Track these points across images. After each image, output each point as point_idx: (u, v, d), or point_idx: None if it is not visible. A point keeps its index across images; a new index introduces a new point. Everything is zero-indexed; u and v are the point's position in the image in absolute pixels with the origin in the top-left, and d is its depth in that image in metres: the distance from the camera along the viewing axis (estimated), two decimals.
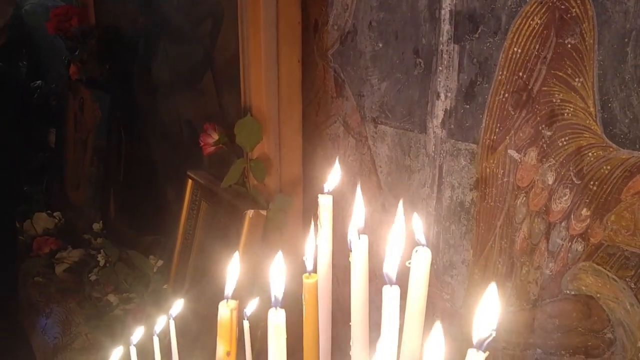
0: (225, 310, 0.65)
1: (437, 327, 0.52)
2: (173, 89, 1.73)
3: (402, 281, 0.61)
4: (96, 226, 1.97)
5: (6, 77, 2.23)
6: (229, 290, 0.67)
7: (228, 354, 0.67)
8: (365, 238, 0.72)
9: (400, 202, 0.69)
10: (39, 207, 2.26)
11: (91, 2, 2.03)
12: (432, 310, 1.19)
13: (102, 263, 1.70)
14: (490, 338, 0.53)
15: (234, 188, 1.38)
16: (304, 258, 0.71)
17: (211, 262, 1.48)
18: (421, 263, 0.63)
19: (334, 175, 0.82)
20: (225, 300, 0.66)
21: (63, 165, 2.26)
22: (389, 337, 0.61)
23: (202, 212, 1.53)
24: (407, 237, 0.63)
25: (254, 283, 1.11)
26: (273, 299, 0.57)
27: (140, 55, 1.87)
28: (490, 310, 0.55)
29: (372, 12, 1.19)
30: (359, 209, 0.75)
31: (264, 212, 1.28)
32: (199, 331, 1.30)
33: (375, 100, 1.23)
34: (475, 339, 0.53)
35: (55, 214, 2.18)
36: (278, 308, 0.57)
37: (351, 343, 0.73)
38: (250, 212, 1.26)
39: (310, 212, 1.42)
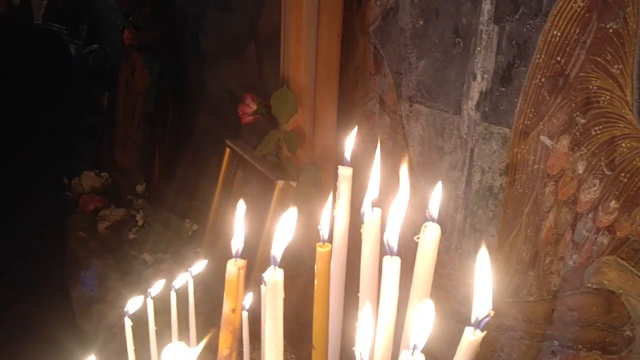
0: (233, 268, 0.66)
1: (428, 303, 0.52)
2: (218, 57, 1.75)
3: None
4: (139, 188, 2.03)
5: (67, 41, 2.30)
6: (236, 248, 0.68)
7: (233, 310, 0.68)
8: (378, 211, 0.72)
9: (404, 168, 0.69)
10: (87, 166, 2.33)
11: None
12: (454, 295, 1.18)
13: (140, 223, 1.76)
14: (488, 318, 0.53)
15: (267, 158, 1.39)
16: (319, 227, 0.71)
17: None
18: (429, 239, 0.63)
19: (349, 144, 0.82)
20: (234, 259, 0.67)
21: (112, 128, 2.33)
22: (386, 308, 0.61)
23: (237, 180, 1.56)
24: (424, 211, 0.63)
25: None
26: (272, 257, 0.58)
27: (189, 24, 1.90)
28: (486, 286, 0.55)
29: None
30: (375, 181, 0.75)
31: (294, 184, 1.29)
32: (220, 290, 1.33)
33: (412, 79, 1.21)
34: (473, 318, 0.53)
35: (102, 173, 2.25)
36: (276, 267, 0.58)
37: (359, 314, 0.74)
38: (280, 183, 1.28)
39: None
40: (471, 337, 0.51)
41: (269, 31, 1.45)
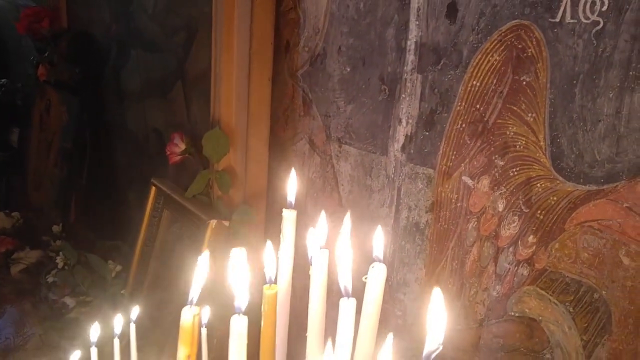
0: (188, 316, 0.67)
1: (389, 339, 0.56)
2: (142, 96, 1.75)
3: (357, 295, 0.65)
4: (55, 228, 1.96)
5: None
6: (193, 295, 0.69)
7: (188, 357, 0.69)
8: (325, 252, 0.75)
9: (348, 214, 0.73)
10: None
11: (64, 5, 2.04)
12: (385, 326, 1.23)
13: (60, 265, 1.70)
14: (438, 351, 0.58)
15: (197, 198, 1.40)
16: (264, 269, 0.74)
17: (170, 269, 1.50)
18: (377, 278, 0.67)
19: (292, 186, 0.85)
20: (189, 306, 0.68)
21: (25, 165, 2.24)
22: (343, 347, 0.65)
23: (164, 220, 1.55)
24: (365, 252, 0.68)
25: (210, 292, 1.13)
26: (236, 305, 0.60)
27: (111, 61, 1.88)
28: (438, 321, 0.60)
29: (342, 37, 1.24)
30: (322, 226, 0.78)
31: (226, 223, 1.31)
32: (155, 335, 1.31)
33: (340, 122, 1.27)
34: (425, 351, 0.57)
35: (13, 213, 2.15)
36: (241, 314, 0.60)
37: (307, 353, 0.76)
38: (213, 222, 1.29)
39: (273, 226, 1.45)
40: None
41: (197, 72, 1.47)
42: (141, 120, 1.75)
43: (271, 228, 1.45)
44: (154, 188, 1.56)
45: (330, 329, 0.70)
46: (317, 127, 1.34)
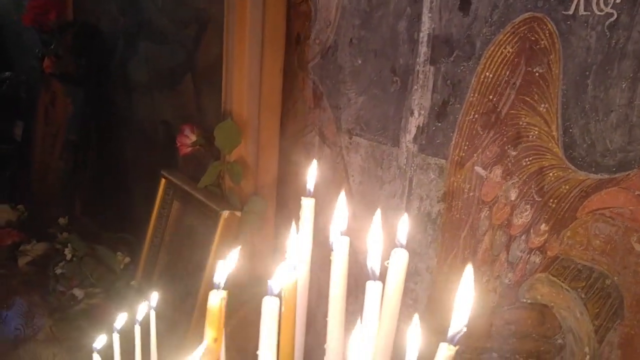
0: (215, 299, 0.69)
1: (416, 318, 0.58)
2: (151, 88, 1.75)
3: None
4: (62, 220, 1.96)
5: None
6: (220, 279, 0.71)
7: (215, 340, 0.71)
8: (346, 239, 0.77)
9: (378, 210, 0.75)
10: (1, 198, 2.23)
11: None
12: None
13: (68, 257, 1.71)
14: (462, 332, 0.60)
15: (208, 189, 1.42)
16: (285, 256, 0.76)
17: (181, 260, 1.51)
18: (399, 263, 0.69)
19: (312, 176, 0.86)
20: (216, 289, 0.70)
21: (29, 158, 2.25)
22: (369, 329, 0.67)
23: (174, 211, 1.56)
24: (385, 238, 0.70)
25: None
26: (270, 286, 0.62)
27: (118, 53, 1.89)
28: (465, 302, 0.62)
29: (353, 30, 1.25)
30: (341, 212, 0.80)
31: (238, 214, 1.32)
32: (173, 321, 1.33)
33: (351, 113, 1.29)
34: (449, 332, 0.59)
35: (18, 206, 2.16)
36: (273, 296, 0.62)
37: (327, 338, 0.78)
38: (225, 213, 1.31)
39: (282, 216, 1.47)
40: (446, 352, 0.58)
41: (208, 64, 1.48)
42: (149, 113, 1.76)
43: (280, 219, 1.46)
44: (163, 180, 1.57)
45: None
46: (327, 119, 1.35)
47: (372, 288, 0.65)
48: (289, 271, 0.73)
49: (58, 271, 1.72)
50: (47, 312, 1.64)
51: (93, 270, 1.66)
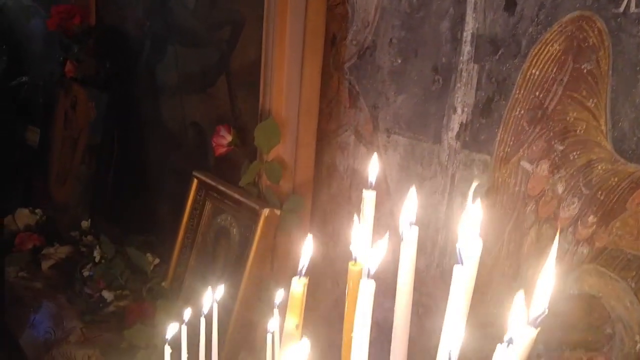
0: (298, 286, 0.71)
1: (520, 294, 0.60)
2: (179, 90, 1.77)
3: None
4: (84, 224, 1.97)
5: None
6: (302, 267, 0.73)
7: (297, 326, 0.73)
8: (415, 228, 0.80)
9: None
10: (17, 203, 2.23)
11: (93, 2, 2.06)
12: (435, 311, 1.27)
13: (97, 259, 1.71)
14: (544, 315, 0.62)
15: (245, 188, 1.43)
16: (350, 247, 0.78)
17: (214, 259, 1.52)
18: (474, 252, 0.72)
19: (373, 168, 0.89)
20: (298, 277, 0.72)
21: (47, 163, 2.25)
22: (456, 314, 0.69)
23: (207, 211, 1.58)
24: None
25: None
26: (366, 269, 0.64)
27: (144, 57, 1.90)
28: (546, 285, 0.64)
29: (393, 30, 1.28)
30: (411, 203, 0.83)
31: (278, 212, 1.34)
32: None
33: (389, 112, 1.31)
34: (530, 316, 0.61)
35: (36, 210, 2.16)
36: (369, 278, 0.64)
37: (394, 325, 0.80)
38: (266, 211, 1.32)
39: (316, 216, 1.49)
40: (528, 334, 0.59)
41: (243, 65, 1.50)
42: (178, 115, 1.78)
43: (315, 217, 1.48)
44: (195, 180, 1.59)
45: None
46: (364, 118, 1.37)
47: (459, 272, 0.68)
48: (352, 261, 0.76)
49: (85, 273, 1.72)
50: (76, 315, 1.65)
51: (122, 272, 1.67)
